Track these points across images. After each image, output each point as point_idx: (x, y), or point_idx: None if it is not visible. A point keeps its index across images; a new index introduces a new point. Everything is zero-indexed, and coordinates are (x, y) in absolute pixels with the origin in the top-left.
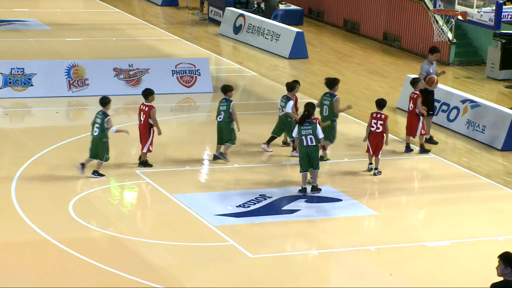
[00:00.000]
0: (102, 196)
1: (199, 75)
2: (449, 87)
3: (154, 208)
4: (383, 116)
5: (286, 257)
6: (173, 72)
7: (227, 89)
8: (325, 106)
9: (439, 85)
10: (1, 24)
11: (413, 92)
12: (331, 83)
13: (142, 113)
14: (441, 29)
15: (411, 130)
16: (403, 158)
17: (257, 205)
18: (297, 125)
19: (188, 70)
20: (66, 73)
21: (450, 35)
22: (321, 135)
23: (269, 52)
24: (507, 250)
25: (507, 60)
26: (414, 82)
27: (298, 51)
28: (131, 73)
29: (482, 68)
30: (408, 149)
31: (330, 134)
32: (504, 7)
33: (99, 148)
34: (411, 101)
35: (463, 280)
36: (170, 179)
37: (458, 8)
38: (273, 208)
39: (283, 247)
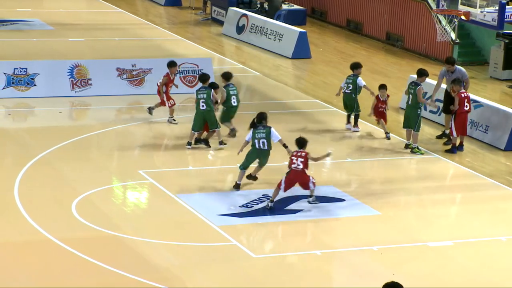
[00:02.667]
0: (105, 196)
1: None
2: None
3: (157, 208)
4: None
5: (289, 257)
6: (176, 72)
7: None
8: (410, 95)
9: (442, 85)
10: (4, 24)
11: (463, 92)
12: (419, 73)
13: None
14: (444, 29)
15: (463, 129)
16: (406, 158)
17: (260, 205)
18: (251, 128)
19: (191, 70)
20: (69, 73)
21: (453, 35)
22: (276, 138)
23: (272, 52)
24: (394, 281)
25: (510, 60)
26: (460, 82)
27: (301, 51)
28: (134, 73)
29: (485, 68)
30: (462, 148)
31: (416, 123)
32: (507, 7)
33: (210, 119)
34: (466, 100)
35: (465, 280)
36: (173, 179)
37: (461, 8)
38: (276, 208)
39: (285, 247)
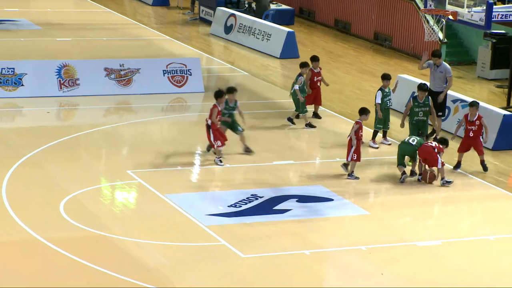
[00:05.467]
0: (93, 196)
1: (190, 75)
2: None
3: (146, 208)
4: None
5: (277, 257)
6: (164, 72)
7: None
8: None
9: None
10: None
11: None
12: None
13: None
14: (432, 28)
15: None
16: (393, 157)
17: (249, 205)
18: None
19: (179, 70)
20: (57, 73)
21: (440, 35)
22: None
23: (260, 52)
24: None
25: (497, 59)
26: (478, 104)
27: (289, 51)
28: (122, 73)
29: (473, 68)
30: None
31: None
32: (494, 7)
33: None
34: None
35: (454, 280)
36: (161, 179)
37: (449, 8)
38: (265, 208)
39: (274, 247)
